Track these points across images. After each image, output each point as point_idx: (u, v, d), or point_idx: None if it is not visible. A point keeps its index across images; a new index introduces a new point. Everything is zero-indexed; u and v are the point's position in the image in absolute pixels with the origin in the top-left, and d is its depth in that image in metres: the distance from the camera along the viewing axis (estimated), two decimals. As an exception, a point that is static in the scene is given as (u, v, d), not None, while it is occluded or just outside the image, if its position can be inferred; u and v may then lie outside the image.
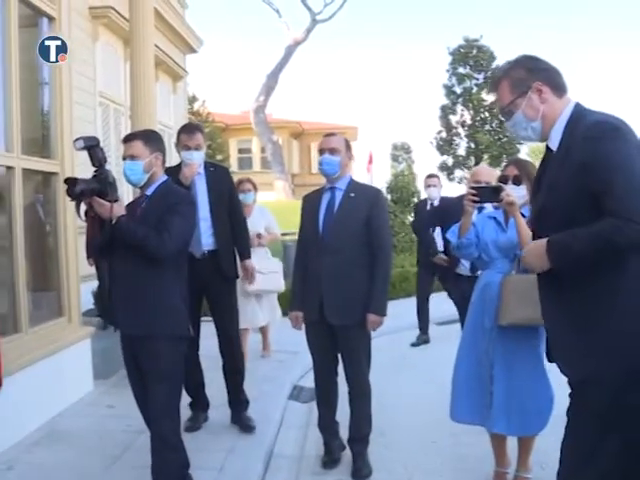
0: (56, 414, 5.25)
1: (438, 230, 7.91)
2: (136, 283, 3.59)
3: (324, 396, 4.51)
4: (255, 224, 6.64)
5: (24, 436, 4.77)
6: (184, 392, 4.13)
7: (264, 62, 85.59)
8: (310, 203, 4.46)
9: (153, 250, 3.46)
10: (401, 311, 8.90)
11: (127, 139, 3.75)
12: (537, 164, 3.00)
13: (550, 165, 2.66)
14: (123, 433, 4.87)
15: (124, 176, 3.72)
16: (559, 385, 3.13)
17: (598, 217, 2.38)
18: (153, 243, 3.44)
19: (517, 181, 3.94)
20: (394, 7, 74.65)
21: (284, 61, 33.33)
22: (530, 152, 38.88)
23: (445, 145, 32.28)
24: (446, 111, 32.95)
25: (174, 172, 4.78)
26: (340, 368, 4.43)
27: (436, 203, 8.31)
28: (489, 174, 4.85)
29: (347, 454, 4.49)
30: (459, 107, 34.30)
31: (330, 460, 4.48)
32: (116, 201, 3.44)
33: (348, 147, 4.40)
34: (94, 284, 9.03)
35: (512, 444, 4.15)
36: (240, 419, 5.10)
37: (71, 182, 3.36)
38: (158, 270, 3.55)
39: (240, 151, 37.34)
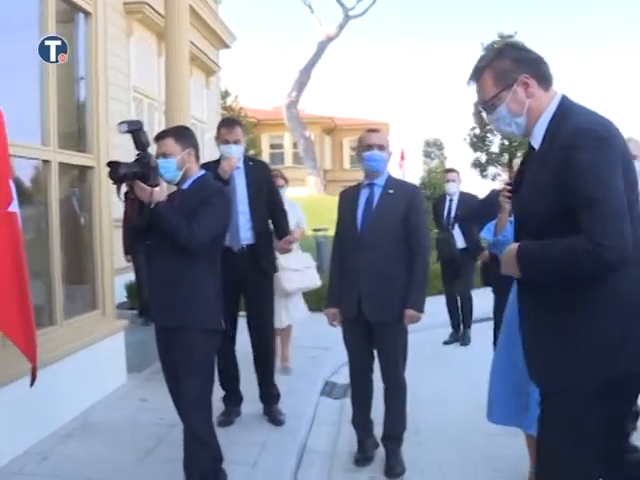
0: (89, 406, 5.29)
1: (457, 226, 7.83)
2: (170, 275, 3.60)
3: (359, 393, 4.48)
4: None
5: (58, 427, 4.81)
6: (218, 386, 4.12)
7: (296, 57, 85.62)
8: (348, 199, 4.42)
9: (183, 240, 3.47)
10: (435, 308, 8.81)
11: (159, 137, 3.76)
12: None
13: (531, 167, 2.49)
14: (156, 426, 4.89)
15: None
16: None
17: (574, 228, 2.21)
18: (184, 233, 3.45)
19: None
20: (428, 3, 74.16)
21: (316, 57, 33.39)
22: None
23: (478, 142, 31.98)
24: (479, 108, 32.66)
25: (213, 167, 4.79)
26: (375, 365, 4.40)
27: (455, 198, 8.16)
28: None
29: (380, 451, 4.46)
30: (493, 104, 33.91)
31: (363, 458, 4.45)
32: (157, 185, 3.46)
33: (388, 143, 4.38)
34: (127, 277, 9.16)
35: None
36: (271, 412, 5.12)
37: (114, 165, 3.38)
38: (192, 262, 3.56)
39: (272, 146, 37.46)
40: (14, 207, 3.40)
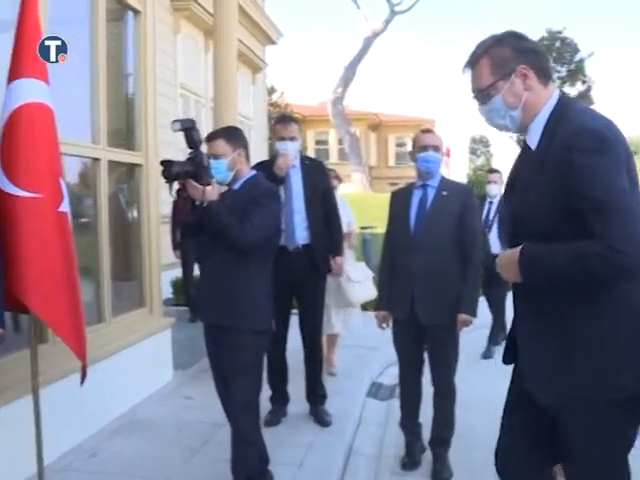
0: (136, 403, 5.32)
1: (495, 230, 7.51)
2: (222, 275, 3.61)
3: (408, 397, 4.40)
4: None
5: (105, 424, 4.85)
6: (265, 385, 4.10)
7: (342, 53, 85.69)
8: (400, 200, 4.35)
9: (235, 239, 3.46)
10: (481, 309, 8.68)
11: (209, 138, 3.76)
12: None
13: (527, 166, 2.35)
14: (202, 425, 4.89)
15: None
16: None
17: (577, 232, 2.10)
18: (236, 232, 3.45)
19: None
20: (474, -2, 73.41)
21: (362, 52, 33.28)
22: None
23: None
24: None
25: (268, 166, 4.78)
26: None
27: (495, 201, 7.63)
28: None
29: (427, 455, 4.39)
30: (541, 100, 33.34)
31: (410, 462, 4.39)
32: (209, 184, 3.45)
33: (442, 144, 4.31)
34: (173, 273, 9.21)
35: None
36: (317, 412, 5.09)
37: (167, 164, 3.40)
38: (243, 262, 3.56)
39: (317, 142, 37.49)
40: (65, 207, 3.40)
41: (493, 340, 7.77)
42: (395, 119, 40.22)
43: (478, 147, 40.46)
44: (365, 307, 6.71)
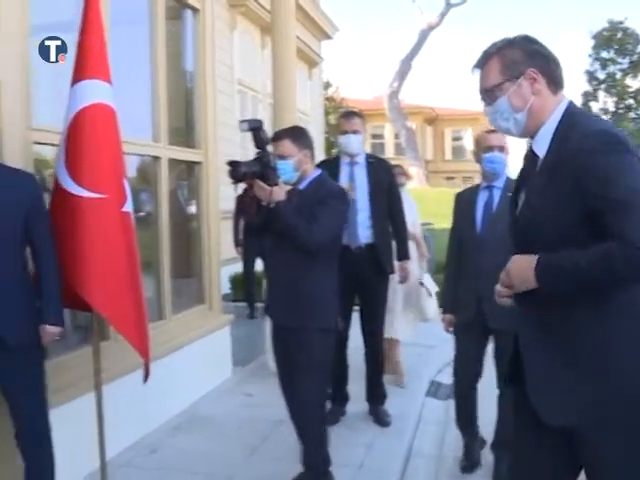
0: (196, 400, 5.36)
1: None
2: (289, 275, 3.62)
3: (464, 397, 4.31)
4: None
5: (166, 420, 4.90)
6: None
7: (397, 47, 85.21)
8: (465, 201, 4.27)
9: (302, 240, 3.46)
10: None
11: (275, 138, 3.75)
12: None
13: (536, 173, 2.26)
14: (262, 422, 4.89)
15: None
16: None
17: (593, 237, 2.03)
18: (303, 232, 3.44)
19: None
20: (533, -12, 72.14)
21: (418, 46, 32.98)
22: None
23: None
24: (587, 98, 31.62)
25: (333, 166, 4.81)
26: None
27: None
28: None
29: (489, 458, 4.31)
30: (601, 94, 32.76)
31: (469, 465, 4.32)
32: (276, 185, 3.45)
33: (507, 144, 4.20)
34: (231, 268, 9.25)
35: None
36: (377, 412, 5.04)
37: (234, 165, 3.41)
38: (310, 262, 3.55)
39: (373, 137, 37.27)
40: (128, 207, 3.44)
41: None
42: (451, 112, 39.79)
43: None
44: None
